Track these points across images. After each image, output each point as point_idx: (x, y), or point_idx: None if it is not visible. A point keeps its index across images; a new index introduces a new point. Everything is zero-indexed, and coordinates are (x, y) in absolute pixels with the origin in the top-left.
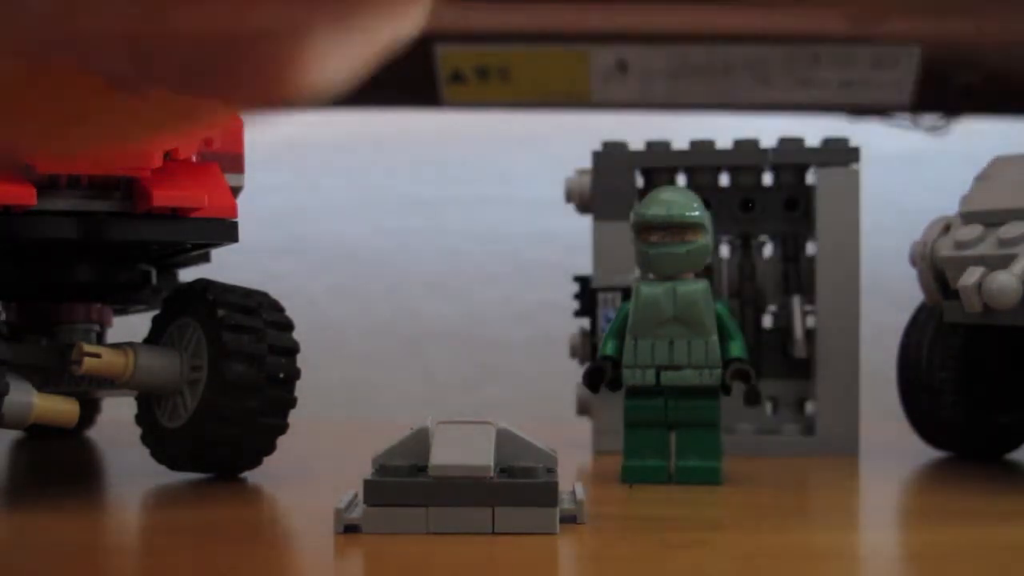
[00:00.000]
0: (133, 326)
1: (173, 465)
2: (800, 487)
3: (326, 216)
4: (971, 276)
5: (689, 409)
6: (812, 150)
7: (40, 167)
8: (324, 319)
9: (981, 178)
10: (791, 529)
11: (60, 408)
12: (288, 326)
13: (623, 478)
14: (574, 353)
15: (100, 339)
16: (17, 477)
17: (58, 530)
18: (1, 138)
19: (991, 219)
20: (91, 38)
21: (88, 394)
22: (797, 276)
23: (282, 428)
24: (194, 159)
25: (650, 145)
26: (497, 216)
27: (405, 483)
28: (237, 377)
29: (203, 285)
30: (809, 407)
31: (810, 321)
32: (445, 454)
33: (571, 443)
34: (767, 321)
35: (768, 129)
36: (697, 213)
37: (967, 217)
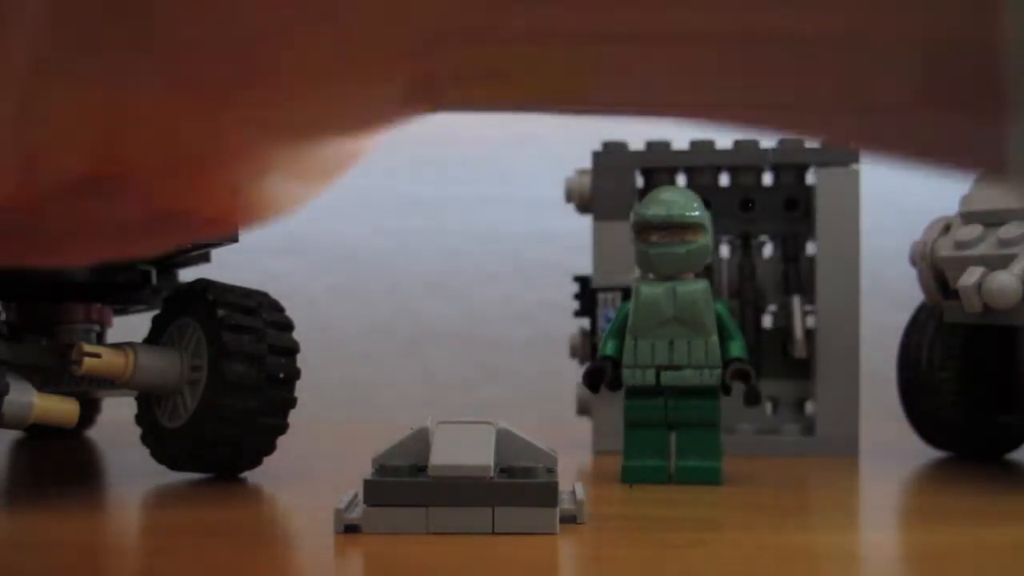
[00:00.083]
0: (133, 326)
1: (173, 465)
2: (800, 487)
3: (326, 216)
4: (971, 276)
5: (689, 409)
6: (812, 150)
7: None
8: (324, 319)
9: (981, 178)
10: (791, 529)
11: (60, 408)
12: (288, 326)
13: (623, 478)
14: (574, 353)
15: (100, 339)
16: (17, 477)
17: (58, 530)
18: None
19: (991, 219)
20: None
21: (88, 394)
22: (797, 276)
23: (282, 428)
24: None
25: (650, 145)
26: (497, 216)
27: (405, 483)
28: (237, 377)
29: (203, 285)
30: (809, 407)
31: (810, 321)
32: (445, 454)
33: (571, 443)
34: (767, 321)
35: None
36: (697, 213)
37: (967, 217)
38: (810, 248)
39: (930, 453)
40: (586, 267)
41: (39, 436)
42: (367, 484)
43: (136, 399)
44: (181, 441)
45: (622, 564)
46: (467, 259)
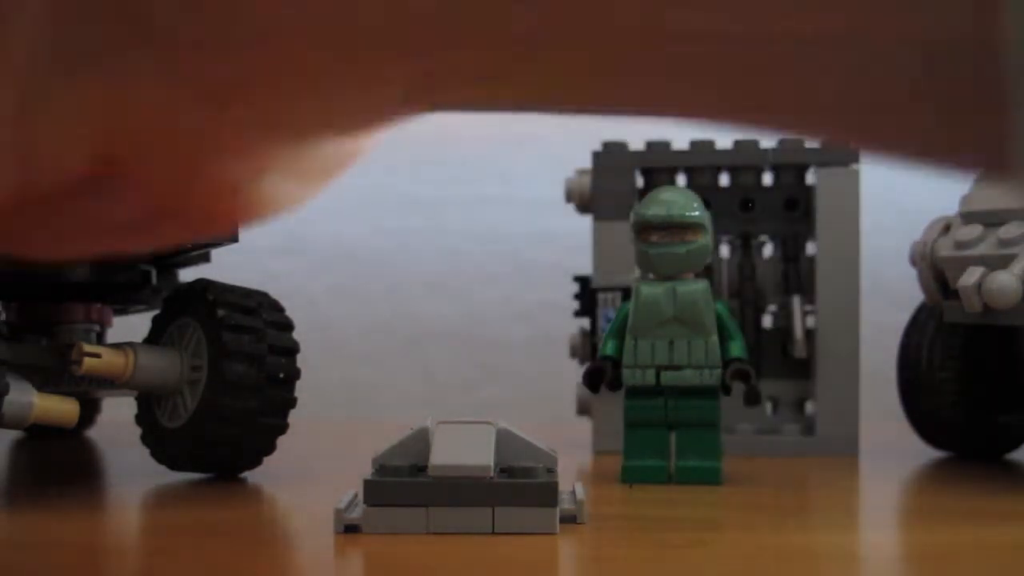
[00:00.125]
0: (133, 326)
1: (173, 465)
2: (800, 487)
3: (326, 216)
4: (971, 276)
5: (689, 409)
6: (812, 150)
7: None
8: (324, 319)
9: (981, 178)
10: (791, 529)
11: (60, 408)
12: (288, 326)
13: (623, 478)
14: (574, 353)
15: (100, 339)
16: (17, 477)
17: (58, 530)
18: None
19: (991, 219)
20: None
21: (88, 394)
22: (797, 276)
23: (282, 428)
24: None
25: (650, 145)
26: (497, 216)
27: (405, 483)
28: (237, 377)
29: (203, 285)
30: (809, 407)
31: (810, 321)
32: (445, 454)
33: (571, 443)
34: (767, 321)
35: None
36: (697, 213)
37: (967, 217)
38: (810, 248)
39: (930, 453)
40: (586, 267)
41: (39, 436)
42: (367, 484)
43: (136, 399)
44: (181, 441)
45: (622, 564)
46: (467, 259)
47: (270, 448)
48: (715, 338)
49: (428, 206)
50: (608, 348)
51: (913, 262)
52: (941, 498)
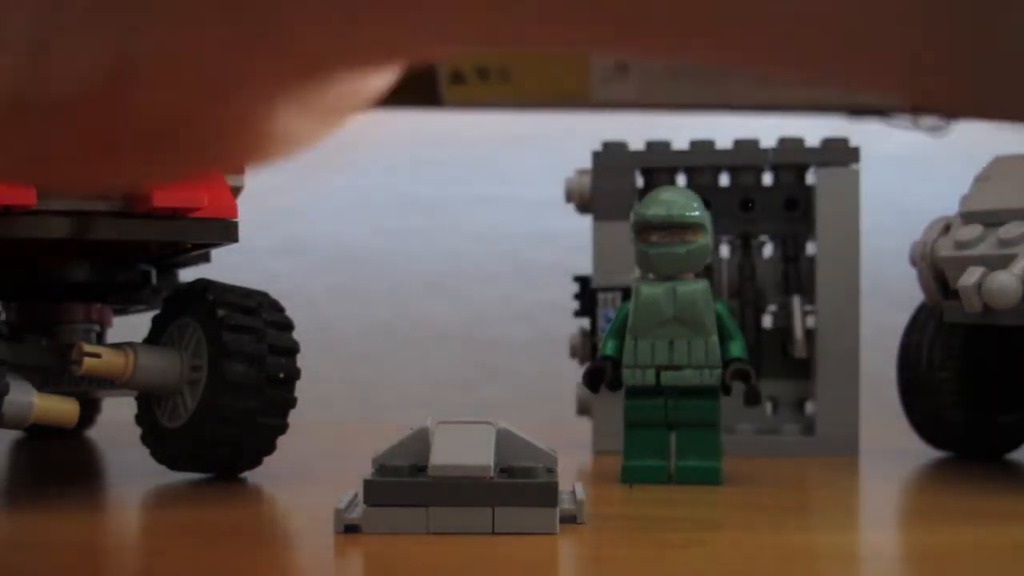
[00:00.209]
0: (133, 326)
1: (173, 465)
2: (800, 487)
3: (326, 216)
4: (971, 276)
5: (689, 409)
6: (812, 150)
7: None
8: (324, 319)
9: (981, 178)
10: (791, 529)
11: (60, 408)
12: (288, 326)
13: (623, 478)
14: (574, 353)
15: (100, 339)
16: (17, 477)
17: (58, 530)
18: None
19: (991, 219)
20: (60, 104)
21: (88, 394)
22: (797, 276)
23: (282, 428)
24: None
25: (650, 145)
26: (497, 216)
27: (405, 483)
28: (237, 377)
29: (203, 285)
30: (809, 407)
31: (810, 321)
32: (445, 454)
33: (571, 443)
34: (767, 321)
35: (768, 129)
36: (697, 213)
37: (967, 217)
38: (810, 248)
39: (930, 453)
40: (586, 267)
41: (39, 436)
42: (367, 484)
43: (136, 399)
44: (181, 441)
45: (622, 564)
46: (467, 259)
47: (270, 448)
48: (715, 338)
49: (428, 206)
50: (608, 348)
51: (913, 262)
52: (941, 498)
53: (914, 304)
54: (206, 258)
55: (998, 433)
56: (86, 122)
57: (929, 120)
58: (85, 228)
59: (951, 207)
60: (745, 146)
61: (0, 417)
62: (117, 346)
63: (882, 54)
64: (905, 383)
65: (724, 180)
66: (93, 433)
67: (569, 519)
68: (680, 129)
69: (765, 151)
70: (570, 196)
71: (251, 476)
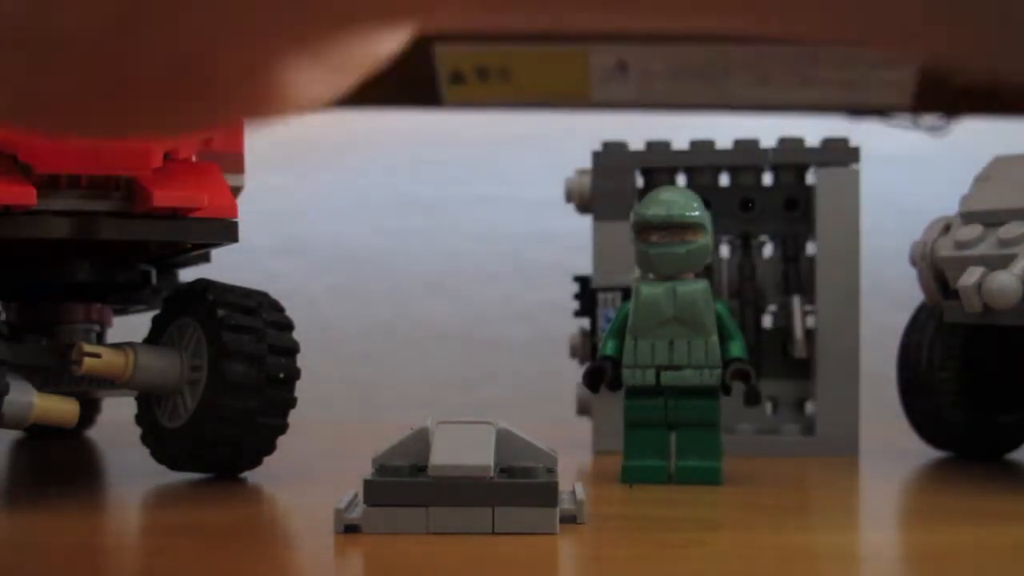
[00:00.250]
0: (133, 326)
1: (173, 465)
2: (800, 487)
3: (326, 216)
4: (971, 276)
5: (689, 409)
6: (812, 150)
7: (39, 167)
8: (324, 319)
9: (981, 178)
10: (791, 529)
11: (60, 408)
12: (288, 326)
13: (623, 478)
14: (574, 353)
15: (100, 339)
16: (17, 477)
17: (58, 530)
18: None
19: (991, 219)
20: (66, 42)
21: (88, 394)
22: (797, 276)
23: (282, 428)
24: (194, 159)
25: (650, 145)
26: (497, 216)
27: (405, 483)
28: (237, 377)
29: (203, 285)
30: (809, 407)
31: (810, 321)
32: (445, 454)
33: (571, 443)
34: (767, 321)
35: (768, 129)
36: (697, 213)
37: (967, 217)
38: (810, 248)
39: (930, 453)
40: (586, 267)
41: (39, 436)
42: (367, 484)
43: (136, 399)
44: (181, 441)
45: (622, 564)
46: (467, 259)
47: (270, 448)
48: (715, 338)
49: (428, 206)
50: (608, 348)
51: (913, 262)
52: (941, 498)
53: (914, 304)
54: (206, 258)
55: (998, 433)
56: (95, 62)
57: (929, 120)
58: (85, 228)
59: (951, 207)
60: (745, 146)
61: (0, 417)
62: (117, 346)
63: (895, 13)
64: (905, 383)
65: (724, 180)
66: (93, 433)
67: (569, 519)
68: (680, 129)
69: (765, 151)
70: (570, 196)
71: (251, 476)
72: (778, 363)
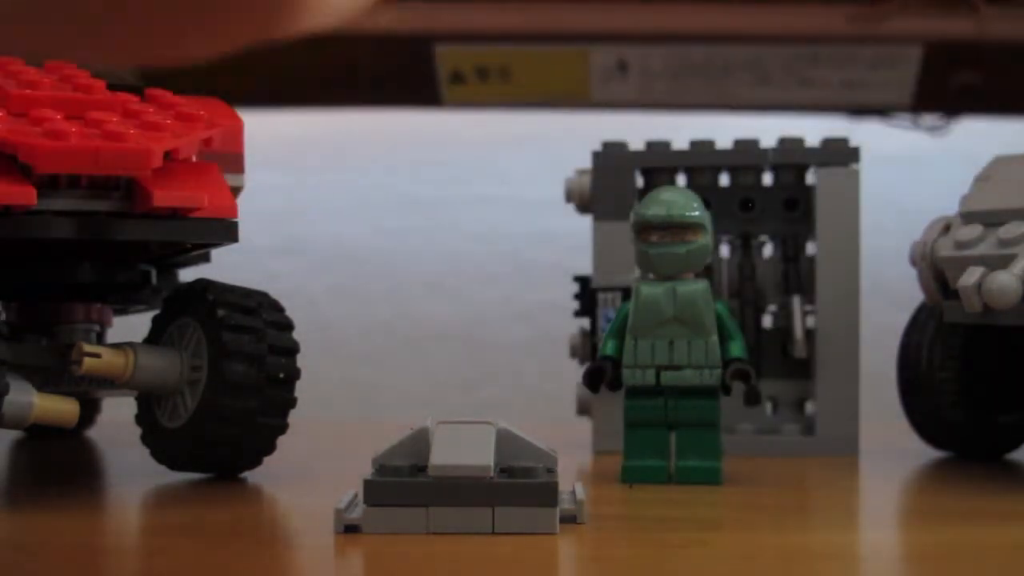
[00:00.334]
0: (133, 326)
1: (173, 465)
2: (800, 487)
3: (326, 216)
4: (971, 276)
5: (689, 409)
6: (812, 150)
7: (40, 167)
8: (324, 319)
9: (981, 178)
10: (791, 529)
11: (60, 408)
12: (288, 326)
13: (623, 478)
14: (574, 353)
15: (100, 339)
16: (17, 477)
17: (58, 530)
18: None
19: (991, 219)
20: None
21: (88, 394)
22: (797, 276)
23: (282, 428)
24: (194, 159)
25: (650, 145)
26: (497, 216)
27: (405, 483)
28: (237, 377)
29: (203, 285)
30: (809, 407)
31: (810, 321)
32: (445, 454)
33: (571, 443)
34: (767, 321)
35: (768, 129)
36: (697, 213)
37: (967, 217)
38: (810, 248)
39: (930, 453)
40: (586, 267)
41: (39, 436)
42: (367, 484)
43: (136, 399)
44: (181, 441)
45: (622, 564)
46: (467, 259)
47: (270, 448)
48: (715, 338)
49: (428, 206)
50: (608, 348)
51: (913, 262)
52: (941, 498)
53: (914, 304)
54: (206, 258)
55: (998, 433)
56: None
57: (929, 120)
58: (85, 228)
59: (951, 207)
60: (745, 146)
61: (0, 417)
62: (117, 346)
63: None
64: (905, 383)
65: (724, 180)
66: (93, 433)
67: (569, 519)
68: (680, 129)
69: (765, 151)
70: (570, 196)
71: (251, 476)
72: (778, 363)
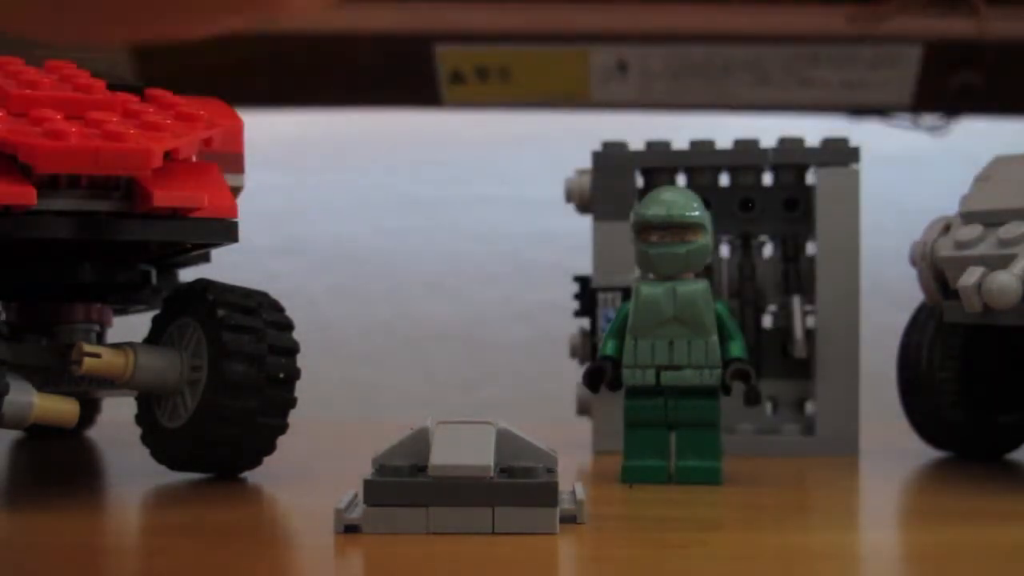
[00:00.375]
0: (133, 326)
1: (173, 465)
2: (800, 487)
3: (326, 216)
4: (971, 276)
5: (689, 409)
6: (812, 150)
7: (40, 167)
8: (324, 319)
9: (981, 178)
10: (791, 529)
11: (60, 408)
12: (288, 326)
13: (623, 478)
14: (574, 353)
15: (100, 339)
16: (17, 477)
17: (58, 530)
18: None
19: (991, 219)
20: None
21: (88, 394)
22: (797, 276)
23: (282, 428)
24: (194, 159)
25: (650, 145)
26: (497, 216)
27: (405, 483)
28: (237, 377)
29: (203, 285)
30: (809, 407)
31: (810, 321)
32: (445, 454)
33: (571, 443)
34: (767, 321)
35: (768, 129)
36: (697, 213)
37: (967, 217)
38: (810, 248)
39: (930, 453)
40: (586, 267)
41: (39, 436)
42: (367, 484)
43: (136, 399)
44: (181, 441)
45: (622, 564)
46: (467, 259)
47: (270, 448)
48: (715, 338)
49: (428, 206)
50: (608, 348)
51: (913, 262)
52: (941, 498)
53: (914, 304)
54: (206, 258)
55: (998, 433)
56: None
57: (929, 120)
58: (85, 228)
59: (951, 207)
60: (745, 146)
61: (0, 417)
62: (117, 346)
63: None
64: (905, 383)
65: (724, 180)
66: (93, 433)
67: (569, 519)
68: (680, 129)
69: (765, 151)
70: (570, 196)
71: (251, 476)
72: (778, 363)
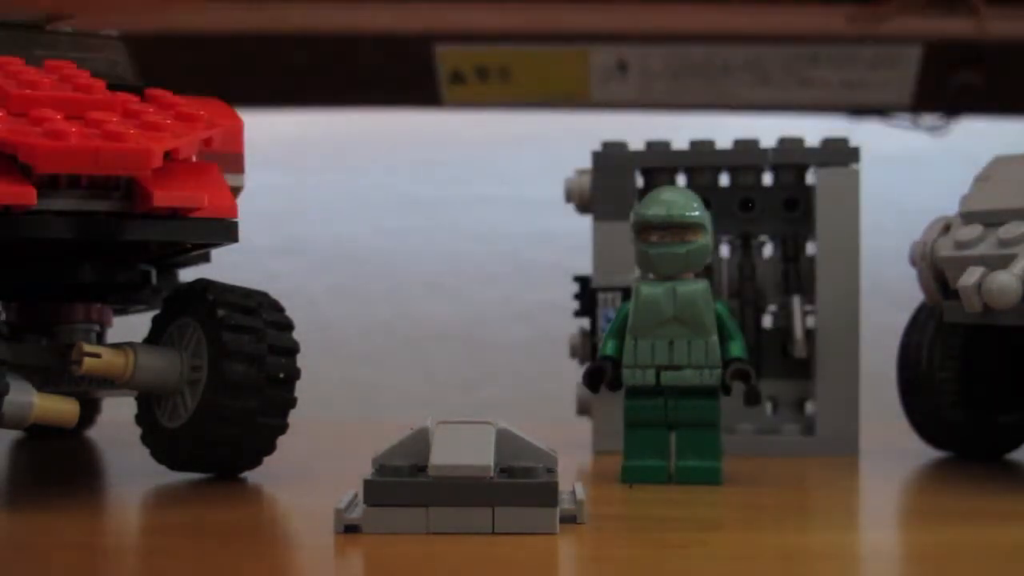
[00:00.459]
0: (133, 326)
1: (173, 465)
2: (800, 487)
3: (326, 216)
4: (971, 276)
5: (689, 409)
6: (812, 150)
7: (40, 167)
8: (324, 319)
9: (981, 178)
10: (791, 529)
11: (60, 408)
12: (288, 326)
13: (623, 478)
14: (574, 353)
15: (100, 339)
16: (17, 477)
17: (58, 530)
18: None
19: (991, 219)
20: None
21: (88, 394)
22: (797, 276)
23: (282, 428)
24: (194, 159)
25: (650, 145)
26: (497, 216)
27: (405, 483)
28: (237, 377)
29: (203, 285)
30: (809, 407)
31: (810, 321)
32: (445, 454)
33: (571, 443)
34: (767, 321)
35: (768, 129)
36: (697, 213)
37: (967, 217)
38: (810, 248)
39: (930, 453)
40: (586, 267)
41: (39, 436)
42: (367, 484)
43: (136, 399)
44: (181, 441)
45: (622, 564)
46: (467, 259)
47: (270, 448)
48: (715, 338)
49: (428, 206)
50: (608, 348)
51: (913, 262)
52: (941, 498)
53: (914, 304)
54: (206, 258)
55: (998, 433)
56: None
57: (929, 120)
58: (85, 228)
59: (951, 207)
60: (745, 146)
61: (0, 417)
62: (117, 346)
63: None
64: (905, 383)
65: (724, 180)
66: (93, 433)
67: (569, 519)
68: (680, 129)
69: (765, 151)
70: (570, 196)
71: (251, 476)
72: (778, 363)
